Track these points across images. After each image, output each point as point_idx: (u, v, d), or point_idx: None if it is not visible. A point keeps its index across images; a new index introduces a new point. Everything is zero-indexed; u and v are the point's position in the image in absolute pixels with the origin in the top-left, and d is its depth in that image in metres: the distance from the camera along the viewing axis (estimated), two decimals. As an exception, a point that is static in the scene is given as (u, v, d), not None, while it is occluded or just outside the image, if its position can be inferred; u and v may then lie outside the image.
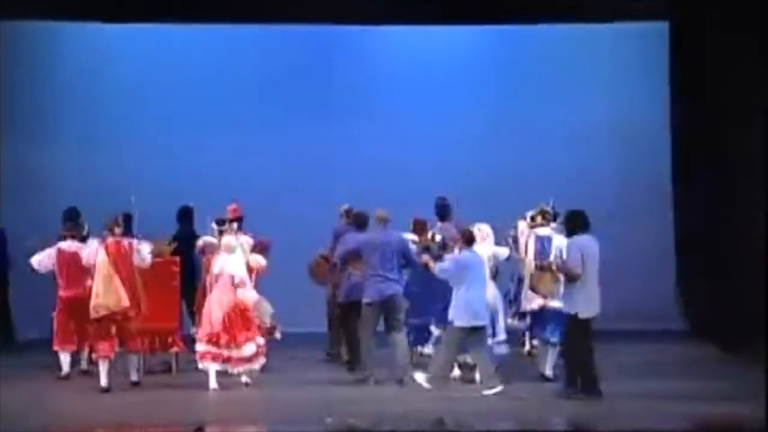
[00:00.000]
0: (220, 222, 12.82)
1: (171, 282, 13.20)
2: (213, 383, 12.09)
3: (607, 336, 12.47)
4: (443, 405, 11.26)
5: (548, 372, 12.39)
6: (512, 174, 16.48)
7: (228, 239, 12.54)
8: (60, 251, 12.88)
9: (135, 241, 12.35)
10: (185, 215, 14.79)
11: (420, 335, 12.91)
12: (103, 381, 12.07)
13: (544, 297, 11.99)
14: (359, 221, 12.98)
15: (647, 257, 16.49)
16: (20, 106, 16.63)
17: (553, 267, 11.70)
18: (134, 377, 12.46)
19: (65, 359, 12.93)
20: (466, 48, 17.34)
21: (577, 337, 11.32)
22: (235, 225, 12.86)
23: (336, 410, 11.01)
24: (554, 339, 12.19)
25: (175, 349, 13.18)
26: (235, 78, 17.05)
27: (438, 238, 12.82)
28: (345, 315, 13.14)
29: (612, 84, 16.99)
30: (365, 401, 11.56)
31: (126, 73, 16.97)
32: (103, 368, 12.11)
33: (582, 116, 16.90)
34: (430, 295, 12.55)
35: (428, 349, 12.80)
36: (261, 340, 12.37)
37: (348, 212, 13.75)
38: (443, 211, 13.43)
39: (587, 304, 11.30)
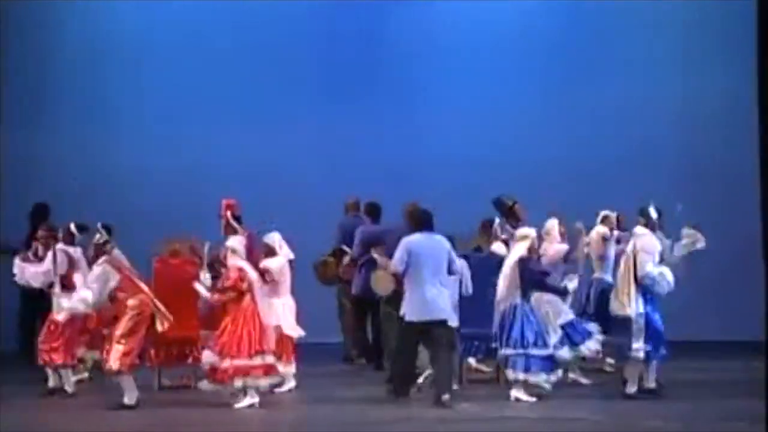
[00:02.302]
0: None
1: (189, 285, 11.73)
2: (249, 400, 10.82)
3: (687, 348, 11.75)
4: (492, 426, 10.06)
5: (629, 389, 11.11)
6: (573, 161, 15.45)
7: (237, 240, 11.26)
8: None
9: None
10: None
11: (470, 345, 11.71)
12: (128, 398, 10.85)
13: (382, 296, 11.61)
14: (373, 212, 12.78)
15: (728, 262, 15.09)
16: (17, 88, 15.81)
17: (382, 263, 11.23)
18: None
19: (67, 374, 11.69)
20: (523, 21, 15.95)
21: (402, 339, 10.98)
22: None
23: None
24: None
25: (191, 361, 11.91)
26: (253, 54, 15.87)
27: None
28: (358, 311, 12.77)
29: (688, 59, 15.76)
30: (405, 422, 10.38)
31: (132, 52, 15.95)
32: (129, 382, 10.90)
33: (654, 98, 15.67)
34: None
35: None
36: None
37: (355, 205, 13.19)
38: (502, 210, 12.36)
39: (414, 307, 10.77)
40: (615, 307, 10.99)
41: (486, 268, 11.60)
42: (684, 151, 15.68)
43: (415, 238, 10.83)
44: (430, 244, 10.84)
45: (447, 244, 10.99)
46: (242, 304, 10.84)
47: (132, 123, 15.85)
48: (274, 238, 11.75)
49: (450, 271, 10.92)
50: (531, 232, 11.15)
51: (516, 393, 10.82)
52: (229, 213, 11.55)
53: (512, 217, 12.32)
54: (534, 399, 10.80)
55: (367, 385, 12.08)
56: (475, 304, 11.51)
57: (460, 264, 11.12)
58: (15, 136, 15.67)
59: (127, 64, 15.90)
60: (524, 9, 15.90)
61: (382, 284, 11.57)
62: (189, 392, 11.73)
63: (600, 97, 15.65)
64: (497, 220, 12.12)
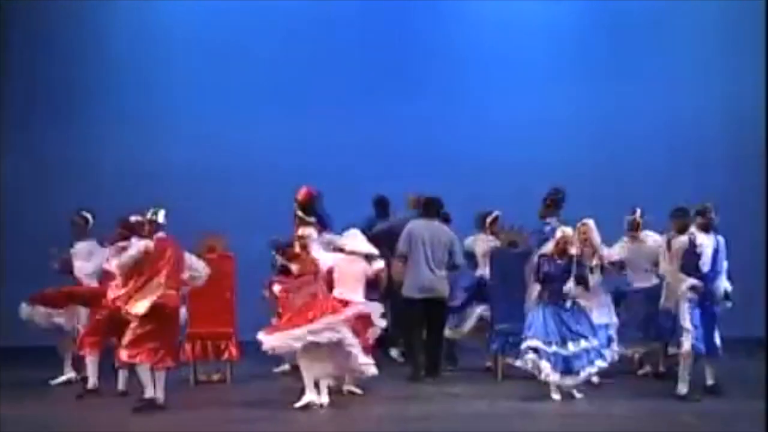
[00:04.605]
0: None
1: (225, 281, 11.90)
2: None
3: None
4: (532, 423, 9.92)
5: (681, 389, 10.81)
6: (611, 162, 15.29)
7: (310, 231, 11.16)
8: None
9: None
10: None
11: (506, 342, 11.63)
12: (159, 393, 10.55)
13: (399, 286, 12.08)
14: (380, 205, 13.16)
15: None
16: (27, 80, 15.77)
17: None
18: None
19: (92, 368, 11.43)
20: (557, 21, 15.77)
21: (404, 315, 12.04)
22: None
23: (412, 428, 9.89)
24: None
25: (227, 357, 11.88)
26: (300, 53, 15.64)
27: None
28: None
29: (722, 63, 15.50)
30: (442, 418, 10.18)
31: (180, 48, 15.79)
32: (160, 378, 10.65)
33: (688, 101, 15.43)
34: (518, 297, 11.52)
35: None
36: None
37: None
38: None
39: (410, 285, 11.80)
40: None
41: (521, 263, 11.66)
42: (730, 152, 15.44)
43: (416, 223, 11.88)
44: (430, 229, 11.81)
45: (449, 234, 11.83)
46: (314, 296, 10.66)
47: (172, 121, 15.69)
48: (358, 234, 11.67)
49: (453, 265, 11.76)
50: (568, 230, 11.06)
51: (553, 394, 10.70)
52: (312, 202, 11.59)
53: (545, 207, 12.34)
54: (558, 398, 10.63)
55: (405, 380, 11.92)
56: (510, 300, 11.59)
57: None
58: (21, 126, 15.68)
59: (178, 61, 15.83)
60: (577, 9, 15.78)
61: (396, 272, 11.97)
62: (224, 388, 11.75)
63: (644, 99, 15.49)
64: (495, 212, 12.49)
